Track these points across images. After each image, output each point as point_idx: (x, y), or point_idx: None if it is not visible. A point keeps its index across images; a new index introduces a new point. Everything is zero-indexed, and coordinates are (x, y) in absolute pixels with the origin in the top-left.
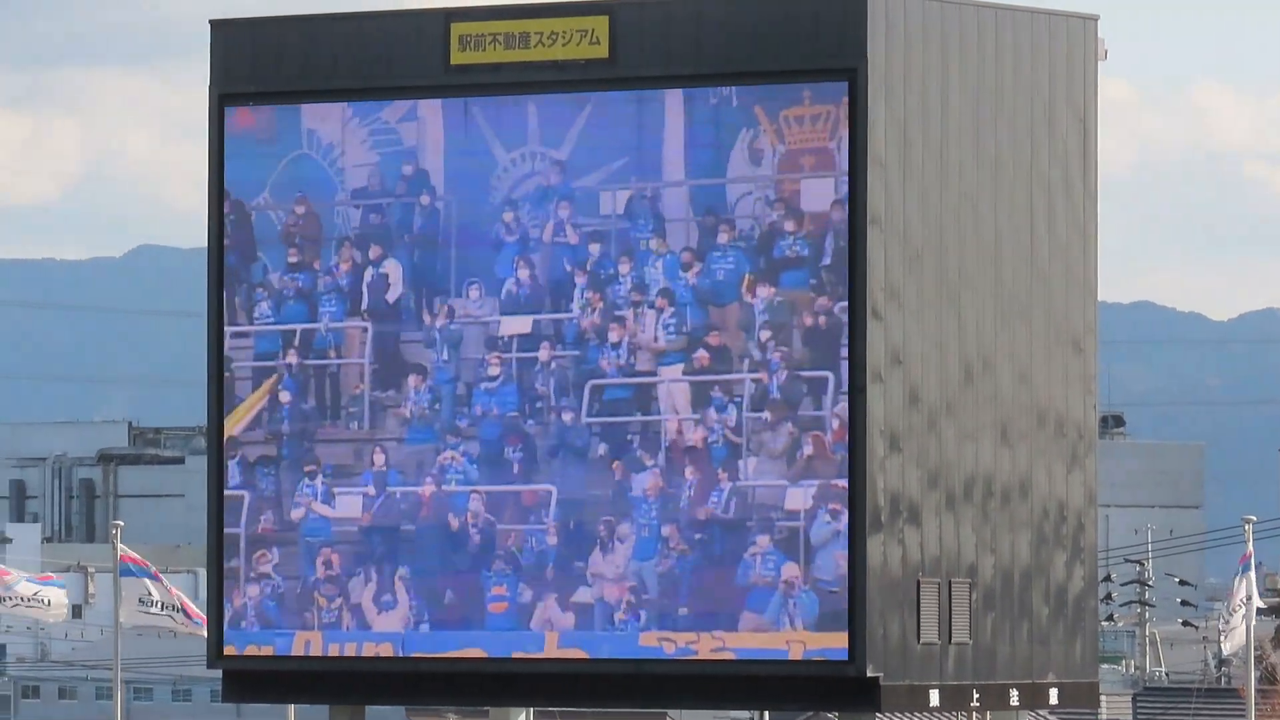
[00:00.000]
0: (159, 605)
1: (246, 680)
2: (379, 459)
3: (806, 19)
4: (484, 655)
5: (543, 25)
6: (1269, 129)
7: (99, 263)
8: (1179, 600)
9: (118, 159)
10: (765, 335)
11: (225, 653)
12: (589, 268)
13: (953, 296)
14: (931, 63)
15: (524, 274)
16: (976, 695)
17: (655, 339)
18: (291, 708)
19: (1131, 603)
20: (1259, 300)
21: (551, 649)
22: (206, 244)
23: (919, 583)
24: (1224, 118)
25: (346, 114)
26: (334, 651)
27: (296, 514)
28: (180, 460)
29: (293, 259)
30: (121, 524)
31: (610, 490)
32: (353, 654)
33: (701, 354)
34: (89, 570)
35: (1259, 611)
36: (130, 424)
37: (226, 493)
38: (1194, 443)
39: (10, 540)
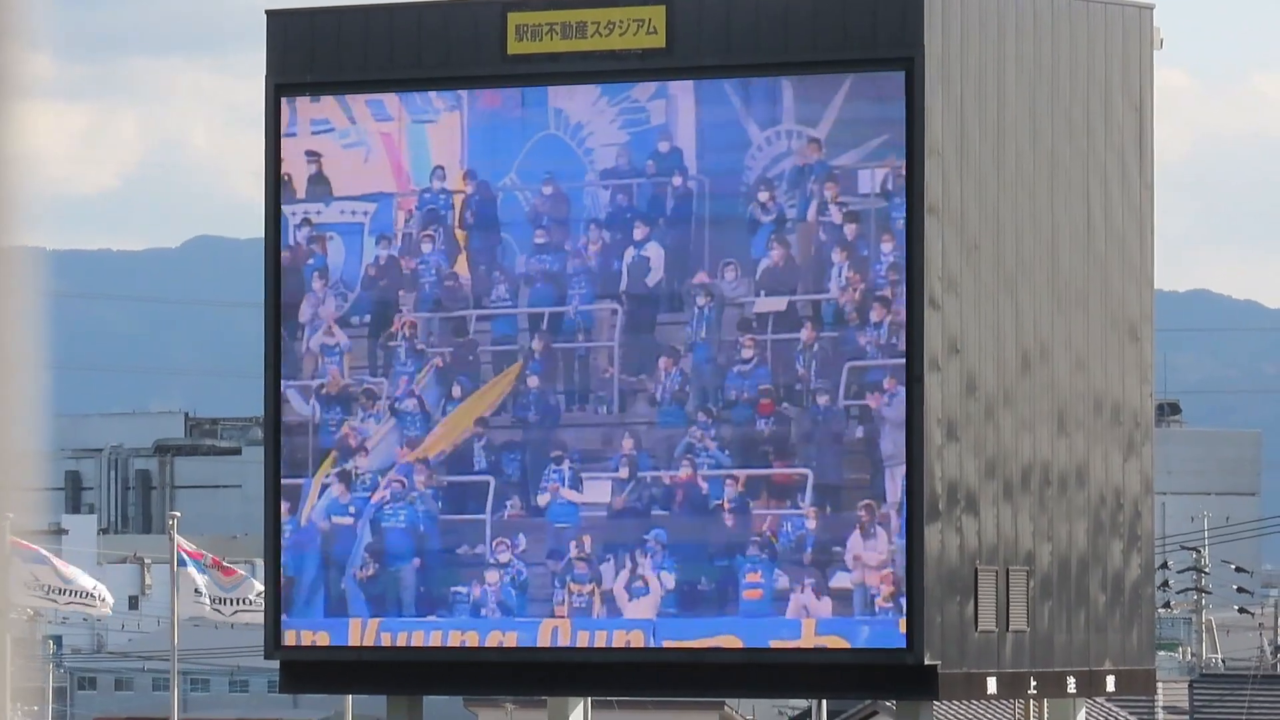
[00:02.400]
0: (214, 600)
1: (304, 670)
2: (628, 443)
3: (863, 8)
4: (739, 644)
5: (600, 15)
6: None
7: (156, 253)
8: (1235, 587)
9: (177, 149)
10: None
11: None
12: (847, 247)
13: (1010, 285)
14: (988, 52)
15: (778, 253)
16: (1034, 683)
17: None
18: (349, 699)
19: (1188, 590)
20: None
21: (809, 637)
22: (264, 235)
23: (976, 570)
24: None
25: (594, 93)
26: (583, 641)
27: (543, 499)
28: (237, 451)
29: (540, 240)
30: (178, 515)
31: (869, 473)
32: (603, 644)
33: None
34: (145, 561)
35: None
36: (186, 415)
37: (472, 478)
38: (1250, 430)
39: (66, 532)
